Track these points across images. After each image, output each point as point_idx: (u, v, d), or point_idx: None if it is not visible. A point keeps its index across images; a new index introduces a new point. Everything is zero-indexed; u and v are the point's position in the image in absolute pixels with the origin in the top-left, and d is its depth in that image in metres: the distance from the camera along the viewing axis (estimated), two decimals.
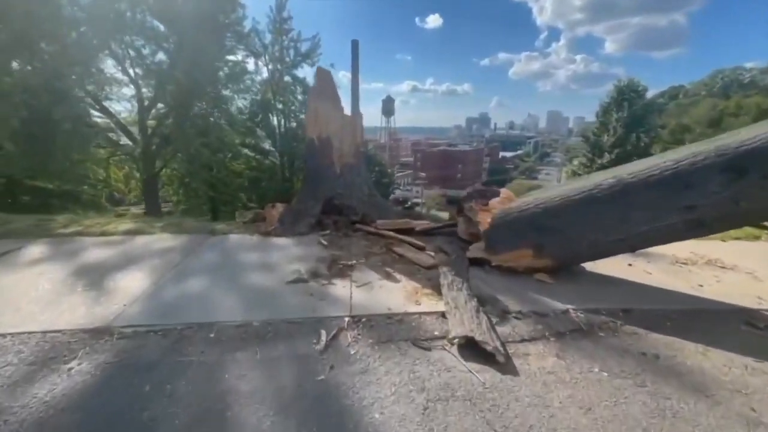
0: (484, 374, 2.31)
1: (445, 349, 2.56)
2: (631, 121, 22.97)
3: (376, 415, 1.96)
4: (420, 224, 5.08)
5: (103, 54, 14.98)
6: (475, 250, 4.03)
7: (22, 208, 12.92)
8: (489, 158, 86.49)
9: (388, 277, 3.70)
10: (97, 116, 16.41)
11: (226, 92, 19.60)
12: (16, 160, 11.41)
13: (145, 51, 15.39)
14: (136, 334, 2.68)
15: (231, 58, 18.94)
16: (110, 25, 13.21)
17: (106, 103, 16.62)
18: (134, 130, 17.57)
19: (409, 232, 4.99)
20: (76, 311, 2.96)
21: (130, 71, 16.32)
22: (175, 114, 16.68)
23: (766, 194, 2.81)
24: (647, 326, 2.93)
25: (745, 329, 2.96)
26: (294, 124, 21.83)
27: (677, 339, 2.76)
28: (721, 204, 2.92)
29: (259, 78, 21.77)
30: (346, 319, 2.90)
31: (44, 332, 2.67)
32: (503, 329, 2.82)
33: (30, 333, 2.67)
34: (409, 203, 50.55)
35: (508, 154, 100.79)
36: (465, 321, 2.71)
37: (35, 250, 4.33)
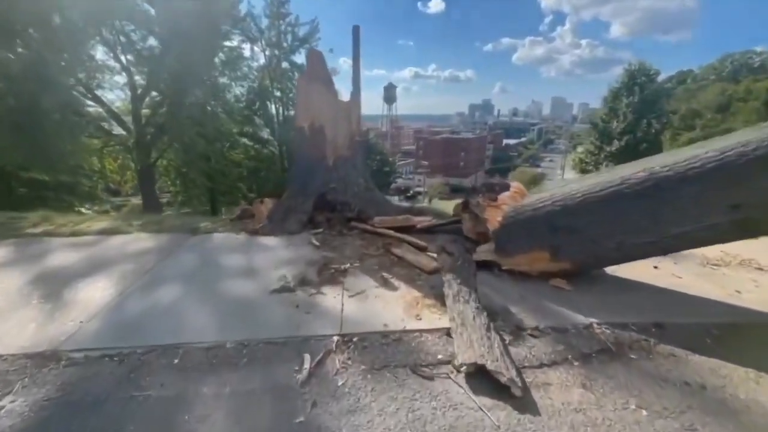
0: (497, 413, 1.91)
1: (450, 378, 2.16)
2: (642, 106, 22.18)
3: None
4: (421, 221, 4.65)
5: (94, 40, 14.45)
6: (484, 252, 3.61)
7: (17, 200, 12.57)
8: (492, 146, 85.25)
9: (385, 284, 3.28)
10: (90, 105, 15.93)
11: (223, 80, 19.06)
12: (3, 151, 10.98)
13: (135, 36, 14.77)
14: (88, 360, 2.29)
15: (226, 44, 18.35)
16: (98, 9, 12.60)
17: (99, 92, 16.10)
18: (129, 119, 17.09)
19: (409, 229, 4.56)
20: (24, 330, 2.57)
21: (122, 58, 15.75)
22: (169, 102, 16.16)
23: None
24: (685, 345, 2.51)
25: None
26: (293, 113, 21.25)
27: (722, 362, 2.35)
28: None
29: (255, 64, 21.17)
30: (335, 338, 2.49)
31: None
32: (518, 351, 2.41)
33: None
34: (412, 192, 50.11)
35: (512, 142, 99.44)
36: (474, 342, 2.29)
37: None
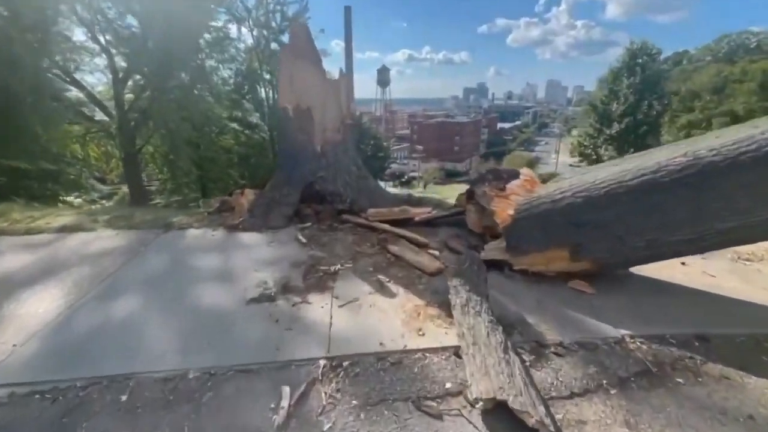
0: None
1: (463, 416, 1.75)
2: (644, 87, 21.60)
3: None
4: (420, 213, 4.20)
5: (69, 20, 13.57)
6: (493, 250, 3.18)
7: None
8: (487, 130, 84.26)
9: (381, 289, 2.85)
10: (69, 89, 15.10)
11: (210, 62, 18.20)
12: None
13: (112, 14, 13.87)
14: (14, 398, 1.85)
15: (212, 24, 17.43)
16: None
17: (78, 76, 15.25)
18: (111, 105, 16.28)
19: (406, 222, 4.12)
20: None
21: (101, 38, 14.87)
22: (152, 86, 15.36)
23: None
24: (737, 363, 2.12)
25: None
26: None
27: None
28: None
29: (242, 46, 20.24)
30: (322, 362, 2.06)
31: None
32: (542, 375, 2.01)
33: None
34: (406, 177, 49.45)
35: (506, 125, 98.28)
36: (490, 369, 1.87)
37: None
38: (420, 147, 62.17)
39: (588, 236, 2.78)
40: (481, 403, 1.74)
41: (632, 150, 21.83)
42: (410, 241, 3.60)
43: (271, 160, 20.07)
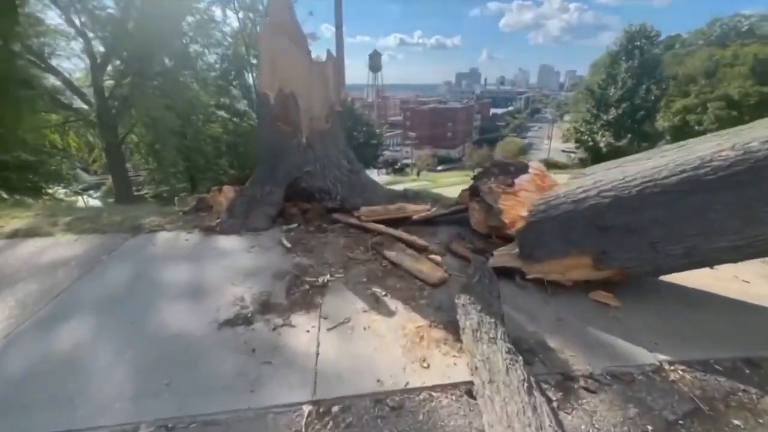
0: None
1: None
2: (642, 71, 21.14)
3: None
4: (418, 210, 3.80)
5: (40, 0, 12.71)
6: (504, 257, 2.80)
7: None
8: (480, 115, 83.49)
9: (377, 304, 2.47)
10: (43, 76, 14.26)
11: (195, 46, 17.37)
12: None
13: None
14: None
15: (195, 5, 16.57)
16: None
17: (54, 61, 14.40)
18: (90, 92, 15.47)
19: (403, 221, 3.73)
20: None
21: (76, 20, 14.00)
22: (133, 72, 14.58)
23: None
24: None
25: None
26: None
27: None
28: None
29: (227, 29, 19.36)
30: (306, 409, 1.69)
31: None
32: (574, 422, 1.65)
33: None
34: (399, 164, 48.81)
35: (499, 111, 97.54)
36: (513, 419, 1.51)
37: None
38: (413, 134, 61.36)
39: (615, 242, 2.41)
40: None
41: (629, 136, 21.54)
42: (408, 244, 3.21)
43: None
